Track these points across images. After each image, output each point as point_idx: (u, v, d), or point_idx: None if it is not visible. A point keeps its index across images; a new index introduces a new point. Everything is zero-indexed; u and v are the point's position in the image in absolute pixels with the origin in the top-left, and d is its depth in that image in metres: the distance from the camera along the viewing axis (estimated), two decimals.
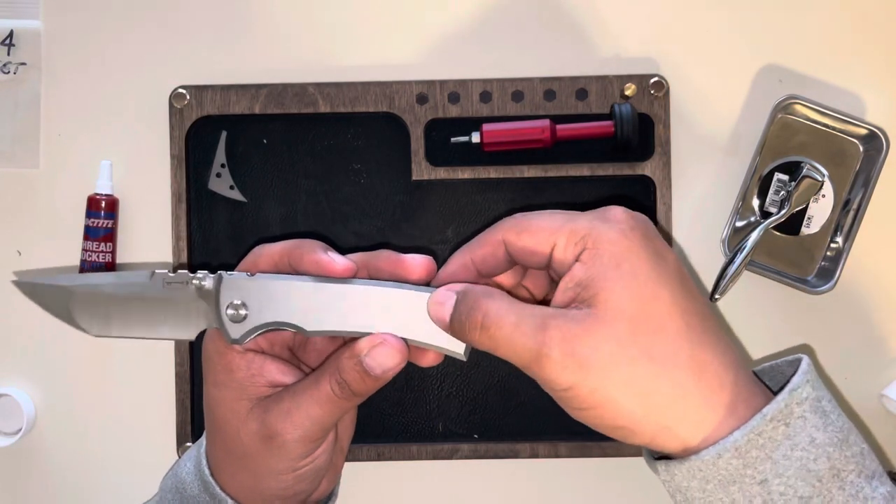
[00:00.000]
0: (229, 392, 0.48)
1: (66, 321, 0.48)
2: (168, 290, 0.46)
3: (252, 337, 0.46)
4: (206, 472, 0.50)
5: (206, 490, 0.50)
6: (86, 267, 0.71)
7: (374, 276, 0.46)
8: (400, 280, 0.45)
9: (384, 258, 0.46)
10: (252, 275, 0.46)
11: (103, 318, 0.47)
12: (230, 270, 0.46)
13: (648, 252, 0.39)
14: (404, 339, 0.44)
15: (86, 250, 0.71)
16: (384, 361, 0.44)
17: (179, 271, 0.46)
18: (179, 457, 0.62)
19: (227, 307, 0.45)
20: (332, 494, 0.55)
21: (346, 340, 0.47)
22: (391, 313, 0.44)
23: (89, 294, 0.47)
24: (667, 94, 0.71)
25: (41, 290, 0.48)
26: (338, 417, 0.47)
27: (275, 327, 0.46)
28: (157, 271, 0.47)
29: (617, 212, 0.42)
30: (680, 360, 0.38)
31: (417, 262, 0.46)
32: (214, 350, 0.48)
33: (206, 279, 0.46)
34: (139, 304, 0.47)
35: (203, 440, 0.52)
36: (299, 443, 0.46)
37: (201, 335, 0.48)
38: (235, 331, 0.46)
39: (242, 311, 0.45)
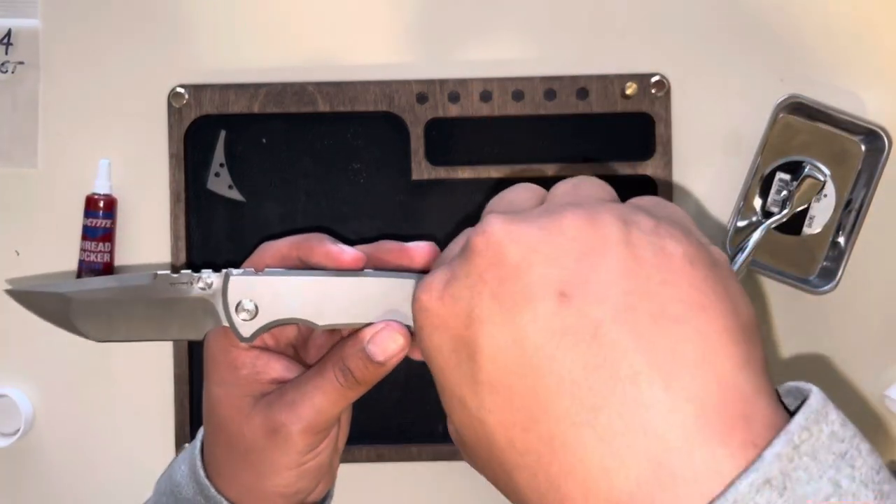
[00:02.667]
0: (233, 389, 0.47)
1: (66, 328, 0.47)
2: (173, 290, 0.46)
3: (261, 334, 0.46)
4: (202, 473, 0.50)
5: (201, 492, 0.49)
6: (84, 266, 0.71)
7: (378, 267, 0.47)
8: (404, 268, 0.46)
9: (387, 249, 0.47)
10: (259, 272, 0.46)
11: (106, 323, 0.47)
12: (233, 268, 0.46)
13: (448, 358, 0.30)
14: (409, 327, 0.45)
15: (84, 250, 0.71)
16: (387, 346, 0.44)
17: (183, 272, 0.46)
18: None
19: (237, 306, 0.45)
20: (327, 496, 0.55)
21: (349, 333, 0.47)
22: (398, 302, 0.45)
23: (89, 300, 0.46)
24: (668, 93, 0.71)
25: (37, 298, 0.47)
26: (342, 408, 0.47)
27: (285, 322, 0.46)
28: (159, 273, 0.46)
29: (421, 298, 0.31)
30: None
31: (420, 250, 0.46)
32: (219, 348, 0.48)
33: (211, 278, 0.46)
34: (143, 307, 0.46)
35: (196, 442, 0.52)
36: (303, 434, 0.46)
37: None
38: (246, 329, 0.46)
39: (252, 309, 0.45)
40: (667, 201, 0.33)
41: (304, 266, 0.47)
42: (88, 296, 0.46)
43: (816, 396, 0.26)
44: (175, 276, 0.46)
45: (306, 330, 0.50)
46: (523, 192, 0.34)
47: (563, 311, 0.27)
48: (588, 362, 0.27)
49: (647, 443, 0.26)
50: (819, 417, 0.26)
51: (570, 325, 0.27)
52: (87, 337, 0.47)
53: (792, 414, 0.26)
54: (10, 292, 0.47)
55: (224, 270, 0.46)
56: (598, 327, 0.27)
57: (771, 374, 0.28)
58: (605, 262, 0.28)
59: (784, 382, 0.28)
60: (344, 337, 0.48)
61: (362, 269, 0.46)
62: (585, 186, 0.33)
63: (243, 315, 0.46)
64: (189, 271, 0.46)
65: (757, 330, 0.29)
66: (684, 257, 0.28)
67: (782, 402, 0.28)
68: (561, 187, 0.34)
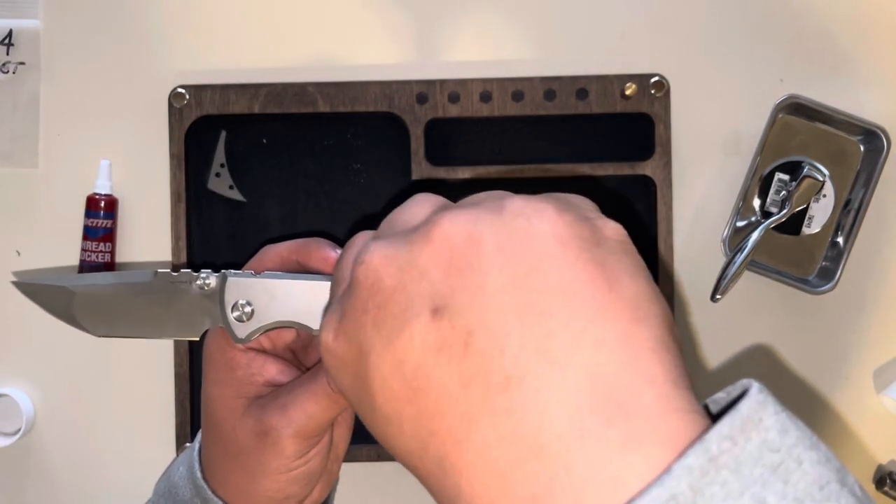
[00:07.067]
0: (228, 389, 0.48)
1: (67, 322, 0.47)
2: (172, 289, 0.46)
3: (257, 335, 0.46)
4: (199, 475, 0.50)
5: (197, 494, 0.49)
6: (85, 267, 0.71)
7: None
8: None
9: None
10: (257, 274, 0.46)
11: (106, 318, 0.47)
12: (233, 269, 0.47)
13: (351, 374, 0.29)
14: None
15: (85, 250, 0.71)
16: None
17: (183, 270, 0.46)
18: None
19: (232, 307, 0.46)
20: (327, 500, 0.55)
21: None
22: None
23: (91, 294, 0.47)
24: (667, 93, 0.71)
25: (42, 291, 0.47)
26: (333, 415, 0.47)
27: (280, 326, 0.46)
28: (159, 271, 0.47)
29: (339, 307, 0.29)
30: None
31: None
32: (216, 348, 0.48)
33: (209, 278, 0.46)
34: (143, 304, 0.47)
35: (197, 443, 0.52)
36: (293, 439, 0.46)
37: (204, 334, 0.48)
38: (241, 330, 0.46)
39: (248, 310, 0.46)
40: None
41: (304, 270, 0.47)
42: (91, 290, 0.47)
43: (751, 399, 0.23)
44: (175, 274, 0.46)
45: (306, 334, 0.50)
46: (415, 208, 0.31)
47: (436, 326, 0.26)
48: (463, 375, 0.25)
49: (521, 452, 0.24)
50: (748, 424, 0.22)
51: (444, 340, 0.25)
52: (87, 331, 0.47)
53: (718, 416, 0.23)
54: (17, 284, 0.48)
55: (223, 271, 0.46)
56: (469, 336, 0.25)
57: (685, 356, 0.25)
58: (471, 264, 0.26)
59: (762, 380, 0.26)
60: None
61: None
62: (482, 194, 0.31)
63: (239, 316, 0.46)
64: (189, 270, 0.46)
65: (650, 305, 0.26)
66: (553, 237, 0.26)
67: (712, 396, 0.26)
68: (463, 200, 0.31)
